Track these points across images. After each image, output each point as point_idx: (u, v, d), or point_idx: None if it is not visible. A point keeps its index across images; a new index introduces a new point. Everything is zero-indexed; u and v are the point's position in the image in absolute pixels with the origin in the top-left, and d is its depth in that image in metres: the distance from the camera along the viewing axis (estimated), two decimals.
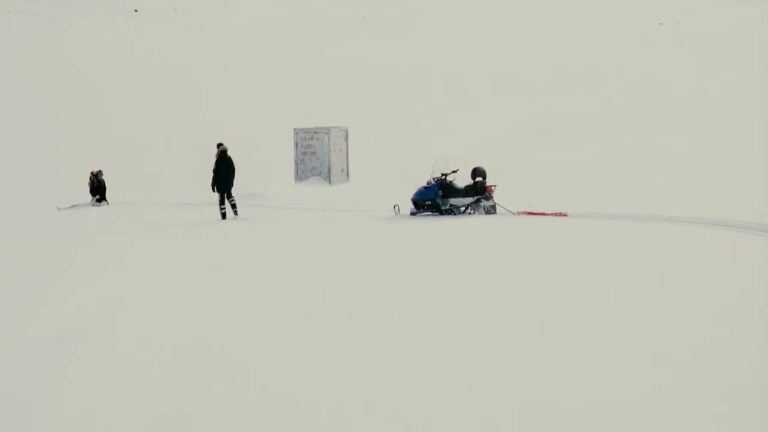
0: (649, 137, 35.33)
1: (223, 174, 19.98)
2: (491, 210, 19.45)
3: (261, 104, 45.84)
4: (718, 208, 18.27)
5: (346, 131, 32.44)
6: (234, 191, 20.35)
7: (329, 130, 31.29)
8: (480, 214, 19.41)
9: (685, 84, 47.74)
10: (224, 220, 19.94)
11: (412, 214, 19.65)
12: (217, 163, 20.07)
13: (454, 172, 19.71)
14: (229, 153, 20.10)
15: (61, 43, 58.79)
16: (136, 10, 76.54)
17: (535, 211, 19.08)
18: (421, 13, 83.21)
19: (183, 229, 18.22)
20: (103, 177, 27.07)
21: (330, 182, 30.86)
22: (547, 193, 23.24)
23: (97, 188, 26.82)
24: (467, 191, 19.53)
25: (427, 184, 19.71)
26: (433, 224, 17.72)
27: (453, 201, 19.51)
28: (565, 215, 18.53)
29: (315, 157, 31.22)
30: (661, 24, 75.85)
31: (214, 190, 20.20)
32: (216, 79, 50.66)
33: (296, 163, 31.64)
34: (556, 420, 6.11)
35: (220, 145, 20.29)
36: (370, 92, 48.96)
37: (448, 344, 8.00)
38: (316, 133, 31.29)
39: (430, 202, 19.53)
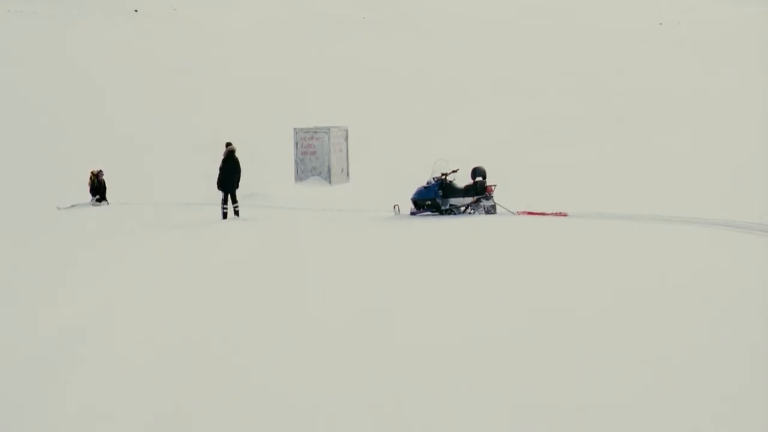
0: (649, 137, 35.32)
1: (229, 174, 20.02)
2: (491, 210, 19.44)
3: (261, 104, 45.82)
4: (718, 208, 18.27)
5: (346, 131, 32.43)
6: (237, 193, 20.37)
7: (329, 130, 31.29)
8: (480, 214, 19.40)
9: (685, 84, 47.72)
10: (224, 220, 19.96)
11: (412, 214, 19.65)
12: (224, 162, 20.11)
13: (454, 172, 19.70)
14: (236, 154, 20.18)
15: (61, 43, 58.74)
16: (136, 10, 76.46)
17: (535, 211, 19.08)
18: (421, 13, 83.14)
19: (183, 229, 18.22)
20: (104, 177, 27.08)
21: (330, 182, 30.86)
22: (547, 193, 23.23)
23: (98, 188, 26.82)
24: (467, 191, 19.53)
25: (427, 184, 19.70)
26: (433, 224, 17.71)
27: (453, 201, 19.50)
28: (565, 215, 18.52)
29: (315, 157, 31.23)
30: (661, 24, 75.80)
31: (219, 188, 20.24)
32: (216, 79, 50.63)
33: (296, 163, 31.64)
34: (556, 420, 6.11)
35: (228, 144, 20.34)
36: (370, 92, 48.92)
37: (448, 344, 7.99)
38: (316, 133, 31.29)
39: (430, 202, 19.53)
